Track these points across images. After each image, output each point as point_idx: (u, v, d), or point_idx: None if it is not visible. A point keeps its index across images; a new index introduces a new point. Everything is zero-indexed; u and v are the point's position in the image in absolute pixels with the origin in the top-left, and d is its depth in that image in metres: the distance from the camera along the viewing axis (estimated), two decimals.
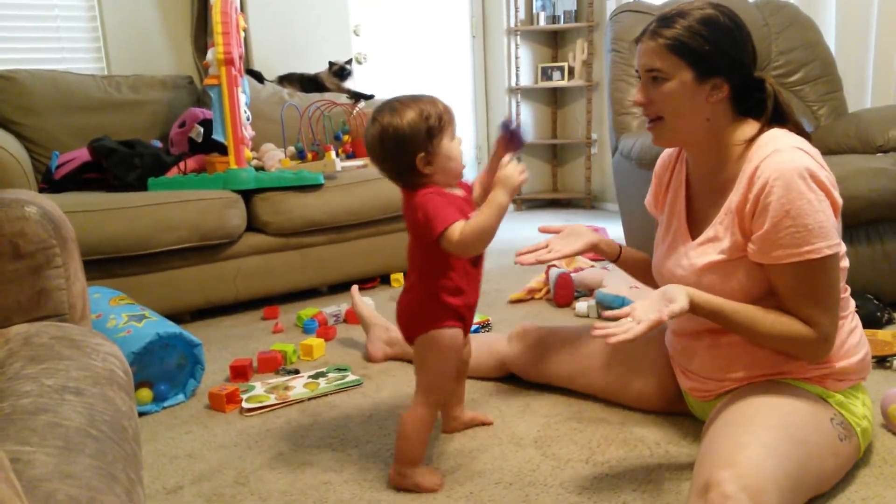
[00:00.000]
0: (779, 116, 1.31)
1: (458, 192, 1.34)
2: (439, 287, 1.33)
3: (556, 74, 4.83)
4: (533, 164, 5.02)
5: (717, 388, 1.38)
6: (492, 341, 1.86)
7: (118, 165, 2.63)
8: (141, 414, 1.75)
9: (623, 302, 2.22)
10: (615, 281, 2.38)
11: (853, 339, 1.32)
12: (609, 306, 2.29)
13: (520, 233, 4.01)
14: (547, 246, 1.52)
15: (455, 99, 4.65)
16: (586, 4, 4.65)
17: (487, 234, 1.24)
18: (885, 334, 1.91)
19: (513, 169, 1.26)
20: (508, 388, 1.80)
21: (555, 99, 5.04)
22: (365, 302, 2.35)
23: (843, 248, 1.26)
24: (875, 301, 2.14)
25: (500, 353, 1.82)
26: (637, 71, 1.33)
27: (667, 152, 1.53)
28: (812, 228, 1.18)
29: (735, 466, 1.06)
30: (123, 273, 2.35)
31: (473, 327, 2.23)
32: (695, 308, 1.23)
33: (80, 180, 2.67)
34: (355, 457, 1.50)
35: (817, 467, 1.18)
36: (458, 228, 1.23)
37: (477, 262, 1.39)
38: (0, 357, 0.91)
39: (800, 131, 1.30)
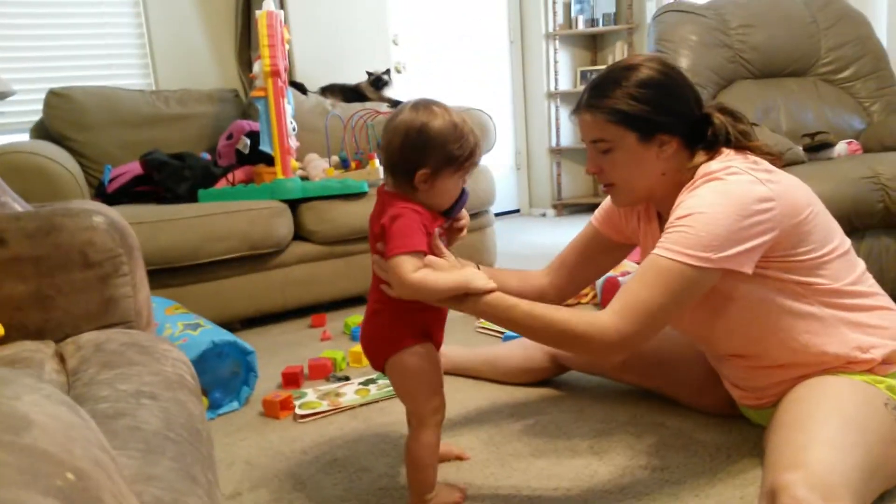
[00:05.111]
0: (737, 144, 1.27)
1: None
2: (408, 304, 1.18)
3: None
4: (573, 169, 4.99)
5: (764, 397, 1.37)
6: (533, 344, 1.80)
7: (169, 178, 2.68)
8: None
9: None
10: None
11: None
12: None
13: (561, 238, 3.97)
14: None
15: (494, 104, 4.64)
16: (625, 6, 4.62)
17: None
18: None
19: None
20: (559, 394, 1.79)
21: None
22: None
23: (747, 268, 1.19)
24: None
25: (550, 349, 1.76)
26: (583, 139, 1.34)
27: None
28: (703, 237, 1.15)
29: (802, 468, 1.03)
30: (175, 283, 2.40)
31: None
32: (481, 302, 1.17)
33: (131, 193, 2.72)
34: None
35: (882, 454, 1.14)
36: (416, 264, 1.11)
37: None
38: (74, 364, 0.93)
39: (764, 153, 1.27)
